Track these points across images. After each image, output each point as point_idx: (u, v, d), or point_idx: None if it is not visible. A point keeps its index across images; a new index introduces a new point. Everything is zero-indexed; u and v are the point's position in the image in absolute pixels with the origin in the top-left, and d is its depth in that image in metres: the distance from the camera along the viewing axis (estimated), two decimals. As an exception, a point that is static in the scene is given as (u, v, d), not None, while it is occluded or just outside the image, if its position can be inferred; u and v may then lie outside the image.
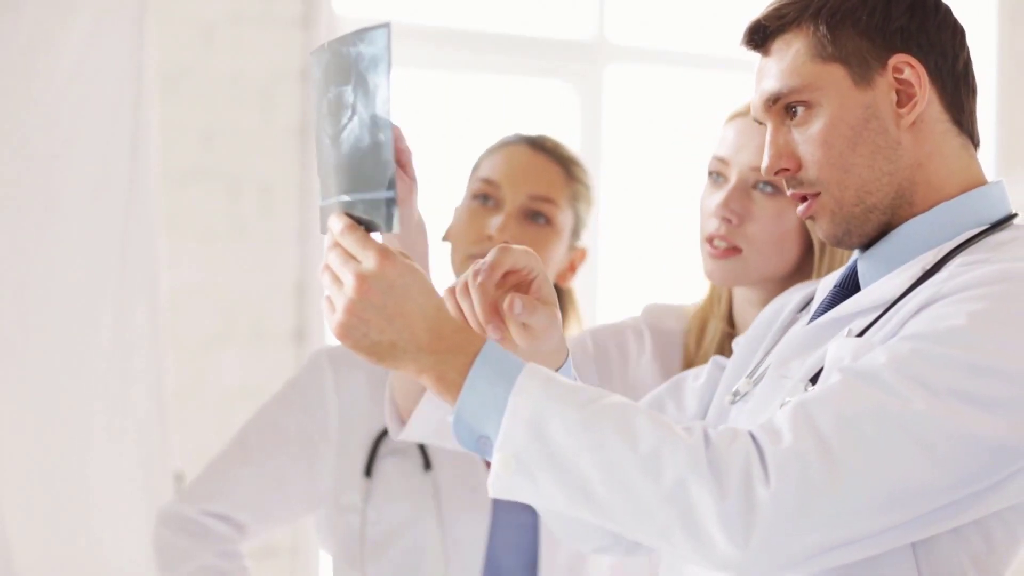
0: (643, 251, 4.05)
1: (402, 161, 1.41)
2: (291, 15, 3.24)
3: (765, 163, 1.45)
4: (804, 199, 1.45)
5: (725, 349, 1.94)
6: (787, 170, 1.44)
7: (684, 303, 2.04)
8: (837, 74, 1.42)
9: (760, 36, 1.46)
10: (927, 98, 1.42)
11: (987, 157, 4.21)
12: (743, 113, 1.89)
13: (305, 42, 3.23)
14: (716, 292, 1.98)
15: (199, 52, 3.15)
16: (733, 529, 1.24)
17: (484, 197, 2.08)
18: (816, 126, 1.42)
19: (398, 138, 1.40)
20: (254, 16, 3.21)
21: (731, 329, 1.96)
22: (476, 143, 2.21)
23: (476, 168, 2.14)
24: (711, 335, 1.96)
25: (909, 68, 1.41)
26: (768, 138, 1.46)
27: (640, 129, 4.02)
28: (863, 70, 1.42)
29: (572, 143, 3.80)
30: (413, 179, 1.44)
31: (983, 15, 4.25)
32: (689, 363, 1.97)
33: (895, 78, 1.42)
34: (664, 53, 4.05)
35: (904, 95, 1.42)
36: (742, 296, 1.94)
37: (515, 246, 1.43)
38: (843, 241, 1.45)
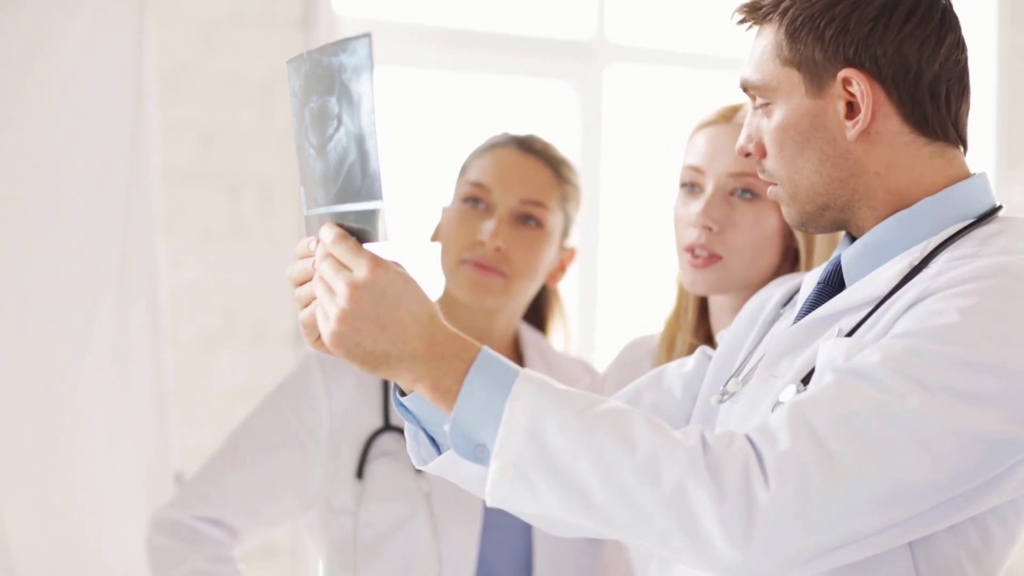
0: (643, 251, 4.04)
1: None
2: (291, 15, 3.24)
3: (739, 143, 1.47)
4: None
5: None
6: (752, 155, 1.46)
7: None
8: (794, 79, 1.42)
9: (746, 25, 1.47)
10: (883, 112, 1.40)
11: (987, 157, 4.21)
12: (713, 121, 1.90)
13: (305, 42, 3.23)
14: (681, 304, 1.98)
15: (199, 52, 3.15)
16: (733, 531, 1.24)
17: (474, 200, 2.09)
18: (771, 124, 1.44)
19: None
20: (254, 16, 3.21)
21: (698, 342, 1.95)
22: (476, 144, 2.20)
23: (464, 170, 2.14)
24: (679, 349, 1.96)
25: (857, 83, 1.40)
26: (747, 118, 1.47)
27: (640, 129, 4.02)
28: (815, 79, 1.41)
29: (572, 143, 3.82)
30: None
31: (983, 15, 4.25)
32: None
33: (845, 90, 1.41)
34: (664, 53, 4.04)
35: (854, 107, 1.41)
36: (717, 304, 1.94)
37: None
38: (805, 227, 1.46)
